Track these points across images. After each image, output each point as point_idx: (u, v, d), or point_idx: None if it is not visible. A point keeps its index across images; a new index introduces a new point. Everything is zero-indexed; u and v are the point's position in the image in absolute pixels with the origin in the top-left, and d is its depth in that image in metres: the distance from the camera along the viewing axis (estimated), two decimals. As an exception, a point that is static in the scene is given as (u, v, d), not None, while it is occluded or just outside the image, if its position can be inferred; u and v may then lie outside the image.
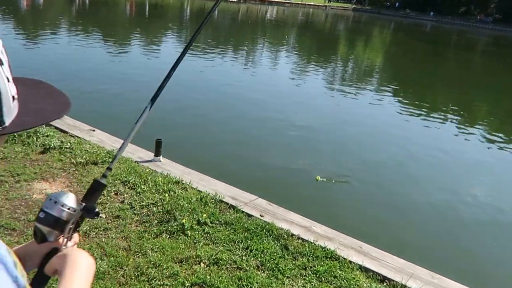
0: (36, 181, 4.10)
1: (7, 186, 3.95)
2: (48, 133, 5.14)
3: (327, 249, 3.51)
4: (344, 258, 3.42)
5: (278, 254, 3.37)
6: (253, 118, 8.73)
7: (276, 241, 3.55)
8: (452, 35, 47.47)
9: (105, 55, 14.16)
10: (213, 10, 1.45)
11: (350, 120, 9.78)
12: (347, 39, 34.11)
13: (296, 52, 22.26)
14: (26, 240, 3.23)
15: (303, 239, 3.64)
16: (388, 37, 40.23)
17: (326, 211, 4.97)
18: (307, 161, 6.67)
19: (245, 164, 6.30)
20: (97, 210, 1.07)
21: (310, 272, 3.21)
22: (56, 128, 5.53)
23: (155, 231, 3.49)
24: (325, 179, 5.89)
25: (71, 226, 1.01)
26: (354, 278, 3.19)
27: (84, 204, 1.05)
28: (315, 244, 3.56)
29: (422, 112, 11.41)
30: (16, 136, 4.92)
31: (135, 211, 3.73)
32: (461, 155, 8.38)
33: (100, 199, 3.79)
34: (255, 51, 20.69)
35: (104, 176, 1.15)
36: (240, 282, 3.00)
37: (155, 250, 3.25)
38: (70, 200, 1.01)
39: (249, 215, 3.93)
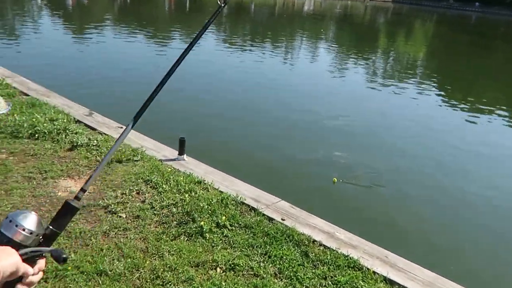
0: (62, 178, 4.20)
1: (34, 183, 4.06)
2: (77, 130, 5.26)
3: (350, 258, 3.37)
4: (367, 269, 3.27)
5: (298, 261, 3.27)
6: (284, 117, 8.59)
7: (296, 247, 3.45)
8: (499, 26, 45.10)
9: (145, 52, 14.40)
10: (213, 19, 1.39)
11: (388, 117, 9.44)
12: (387, 32, 33.13)
13: (334, 46, 21.83)
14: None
15: (325, 246, 3.51)
16: (430, 29, 38.70)
17: (351, 216, 4.80)
18: (336, 162, 6.48)
19: (270, 164, 6.19)
20: (64, 256, 0.95)
21: (330, 283, 3.09)
22: (85, 125, 5.66)
23: (173, 232, 3.47)
24: (344, 180, 5.70)
25: (30, 250, 0.92)
26: (377, 291, 3.05)
27: (50, 227, 0.99)
28: (337, 252, 3.43)
29: (467, 108, 10.89)
30: (47, 133, 5.07)
31: (155, 212, 3.74)
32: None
33: (122, 198, 3.86)
34: (291, 45, 20.46)
35: (77, 198, 1.08)
36: (256, 290, 2.93)
37: (172, 252, 3.23)
38: (28, 222, 0.92)
39: (270, 219, 3.84)
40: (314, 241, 3.57)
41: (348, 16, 43.94)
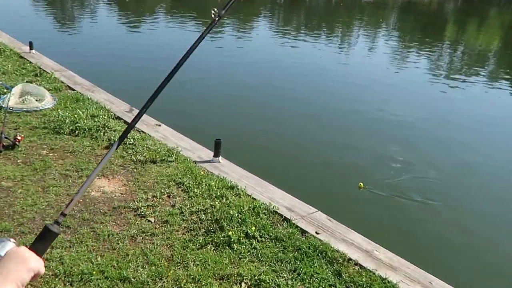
0: (97, 177, 4.33)
1: (70, 181, 4.23)
2: (116, 128, 5.43)
3: (388, 281, 3.19)
4: (406, 295, 3.08)
5: (329, 281, 3.15)
6: (332, 118, 8.37)
7: (329, 265, 3.32)
8: None
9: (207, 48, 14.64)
10: (207, 32, 1.33)
11: (452, 116, 8.88)
12: (455, 21, 31.30)
13: (394, 37, 20.98)
14: (78, 239, 3.42)
15: (361, 266, 3.36)
16: (507, 17, 36.10)
17: (395, 233, 4.58)
18: (385, 168, 6.21)
19: (311, 170, 6.05)
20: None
21: (362, 308, 2.94)
22: (125, 122, 5.83)
23: (200, 241, 3.47)
24: (392, 194, 5.42)
25: None
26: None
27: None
28: (374, 274, 3.26)
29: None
30: (87, 130, 5.27)
31: (184, 217, 3.76)
32: None
33: (152, 201, 3.92)
34: (348, 36, 19.94)
35: (57, 222, 1.07)
36: (280, 310, 2.85)
37: (197, 262, 3.23)
38: (4, 251, 0.94)
39: (304, 231, 3.74)
40: (350, 259, 3.42)
41: (412, 4, 42.08)
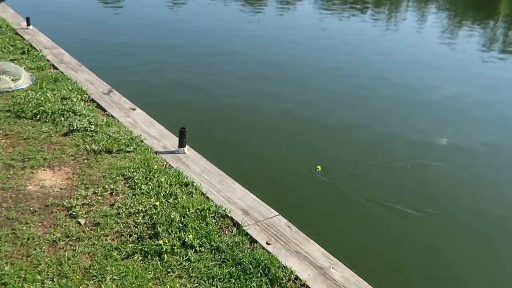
0: (42, 168, 4.07)
1: (11, 172, 3.99)
2: (82, 112, 5.14)
3: (335, 309, 2.74)
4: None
5: (262, 306, 2.73)
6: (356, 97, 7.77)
7: (268, 286, 2.90)
8: None
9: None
10: None
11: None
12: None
13: (446, 11, 19.53)
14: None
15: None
16: None
17: (366, 246, 4.04)
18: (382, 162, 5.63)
19: (285, 169, 5.46)
20: None
21: None
22: (97, 105, 5.54)
23: (128, 249, 3.13)
24: (383, 202, 4.84)
25: None
26: None
27: None
28: (320, 299, 2.82)
29: None
30: (50, 114, 5.02)
31: (119, 219, 3.43)
32: None
33: (91, 198, 3.60)
34: (396, 12, 18.73)
35: None
36: None
37: (116, 277, 2.89)
38: None
39: (253, 241, 3.32)
40: (296, 278, 2.98)
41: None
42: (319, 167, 5.24)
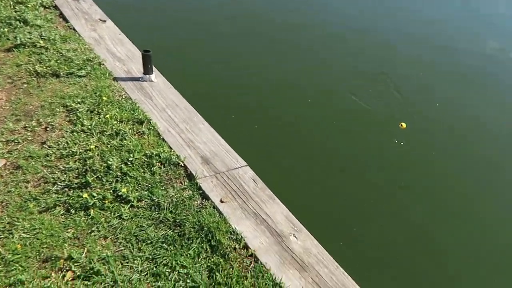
0: (-28, 93, 3.87)
1: None
2: (36, 22, 4.82)
3: (284, 291, 2.50)
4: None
5: (194, 282, 2.52)
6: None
7: (208, 255, 2.66)
8: None
9: None
10: None
11: None
12: None
13: None
14: None
15: (255, 260, 2.67)
16: None
17: (343, 211, 3.69)
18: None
19: (266, 108, 4.99)
20: None
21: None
22: (60, 14, 5.20)
23: (49, 200, 2.93)
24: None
25: None
26: None
27: None
28: (266, 275, 2.57)
29: None
30: (-4, 24, 4.74)
31: (47, 163, 3.21)
32: None
33: (19, 134, 3.39)
34: None
35: None
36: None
37: (26, 234, 2.71)
38: None
39: (205, 197, 3.06)
40: (245, 247, 2.73)
41: None
42: (403, 124, 4.49)
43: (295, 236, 2.83)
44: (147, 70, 4.17)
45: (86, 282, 2.48)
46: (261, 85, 5.30)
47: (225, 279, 2.52)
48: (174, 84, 4.20)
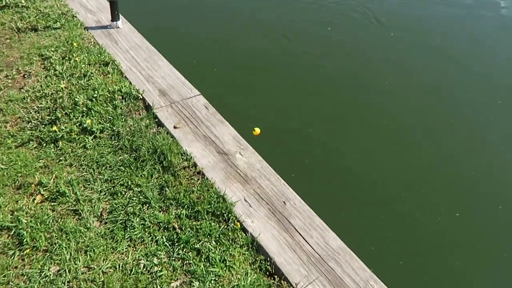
0: (-40, 50, 3.64)
1: None
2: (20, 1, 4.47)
3: (224, 200, 2.40)
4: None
5: (145, 197, 2.42)
6: None
7: (160, 174, 2.55)
8: None
9: None
10: None
11: None
12: None
13: None
14: None
15: (203, 176, 2.55)
16: None
17: (291, 131, 3.49)
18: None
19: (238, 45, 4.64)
20: None
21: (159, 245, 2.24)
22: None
23: (24, 137, 2.79)
24: None
25: None
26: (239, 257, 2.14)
27: None
28: (212, 189, 2.46)
29: None
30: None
31: (24, 104, 3.04)
32: None
33: (1, 82, 3.22)
34: None
35: None
36: (64, 239, 2.23)
37: (2, 165, 2.59)
38: None
39: (160, 125, 2.91)
40: (194, 165, 2.61)
41: None
42: (256, 130, 2.90)
43: (240, 154, 2.69)
44: (114, 17, 3.88)
45: (52, 204, 2.39)
46: (223, 19, 4.98)
47: (174, 194, 2.42)
48: (139, 29, 3.92)
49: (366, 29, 5.12)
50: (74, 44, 3.54)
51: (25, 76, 3.30)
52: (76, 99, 2.96)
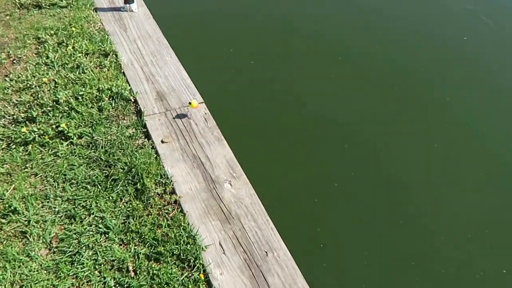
0: (-40, 25, 3.61)
1: None
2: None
3: (189, 234, 2.11)
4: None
5: (106, 225, 2.18)
6: None
7: (131, 199, 2.30)
8: None
9: None
10: None
11: None
12: None
13: None
14: None
15: (179, 206, 2.27)
16: None
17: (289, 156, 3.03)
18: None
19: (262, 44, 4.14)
20: None
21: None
22: None
23: (-5, 134, 2.67)
24: None
25: None
26: None
27: None
28: (186, 230, 2.18)
29: None
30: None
31: (3, 96, 2.90)
32: None
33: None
34: None
35: None
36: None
37: (-36, 167, 2.49)
38: None
39: (147, 136, 2.66)
40: (172, 193, 2.34)
41: None
42: (193, 103, 2.73)
43: (230, 183, 2.38)
44: None
45: (2, 220, 2.21)
46: (248, 22, 4.51)
47: (138, 226, 2.16)
48: (156, 15, 3.69)
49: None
50: (75, 28, 3.36)
51: (14, 61, 3.19)
52: (59, 96, 2.78)
